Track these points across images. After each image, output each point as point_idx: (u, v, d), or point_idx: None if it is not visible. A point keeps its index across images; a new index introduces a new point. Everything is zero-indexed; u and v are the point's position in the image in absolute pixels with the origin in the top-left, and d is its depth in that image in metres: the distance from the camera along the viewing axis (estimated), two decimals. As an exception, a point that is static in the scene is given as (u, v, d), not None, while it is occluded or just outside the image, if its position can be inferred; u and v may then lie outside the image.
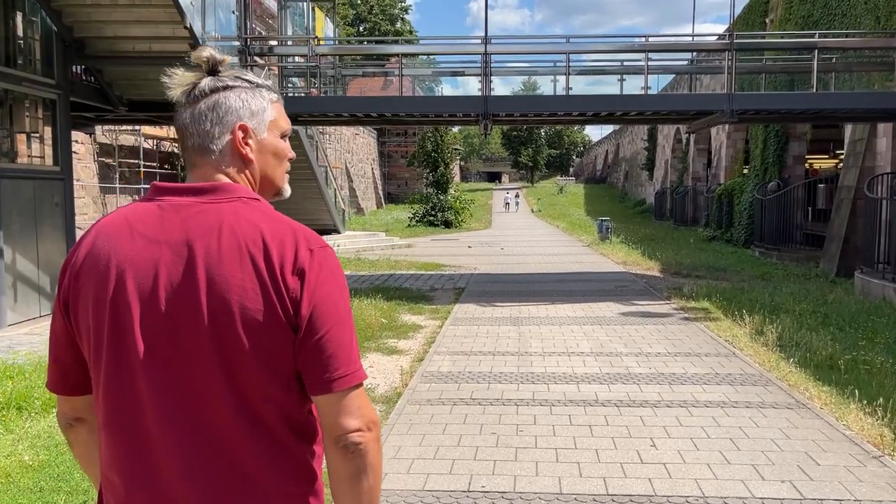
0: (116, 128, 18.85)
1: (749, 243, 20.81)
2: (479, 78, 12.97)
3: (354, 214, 41.48)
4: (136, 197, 19.16)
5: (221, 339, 1.28)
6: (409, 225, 33.20)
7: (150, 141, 20.90)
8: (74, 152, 17.78)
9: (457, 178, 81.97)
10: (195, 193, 1.37)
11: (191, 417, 1.30)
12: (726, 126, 27.47)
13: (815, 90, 12.27)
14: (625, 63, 14.67)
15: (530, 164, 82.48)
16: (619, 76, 14.34)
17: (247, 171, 1.43)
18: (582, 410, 5.59)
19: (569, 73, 12.99)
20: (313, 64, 13.00)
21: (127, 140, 19.62)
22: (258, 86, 1.44)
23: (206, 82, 1.40)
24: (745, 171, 26.17)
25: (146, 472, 1.32)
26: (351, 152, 47.78)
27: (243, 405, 1.30)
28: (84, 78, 11.96)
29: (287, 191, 1.53)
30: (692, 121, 14.10)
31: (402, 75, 13.88)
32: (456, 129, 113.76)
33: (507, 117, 14.60)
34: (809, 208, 18.16)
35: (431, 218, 33.52)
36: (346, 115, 13.44)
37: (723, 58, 13.32)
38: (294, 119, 11.27)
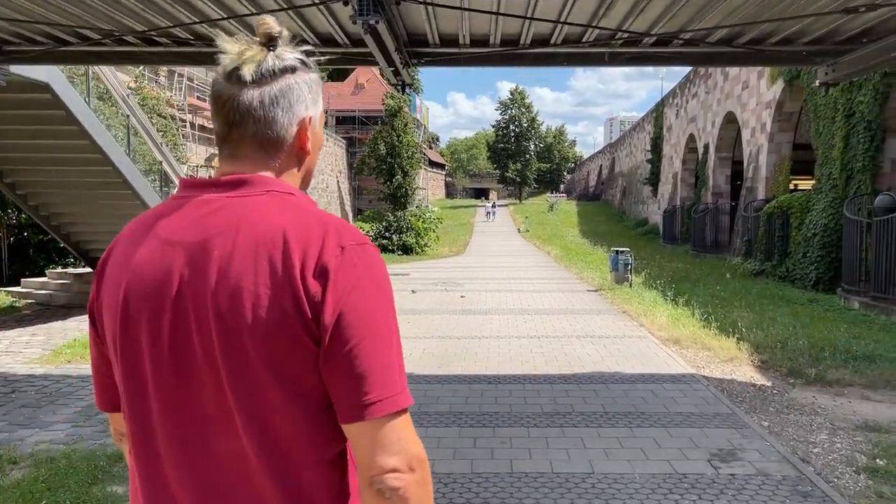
0: None
1: (825, 284, 14.23)
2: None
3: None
4: None
5: (229, 355, 1.07)
6: (355, 251, 25.30)
7: None
8: None
9: (438, 193, 74.45)
10: (223, 188, 1.16)
11: (198, 443, 1.12)
12: (767, 125, 20.23)
13: None
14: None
15: (518, 179, 75.69)
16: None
17: (299, 166, 1.24)
18: None
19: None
20: None
21: None
22: (311, 67, 1.22)
23: (273, 61, 1.17)
24: (795, 185, 19.25)
25: None
26: (308, 162, 40.17)
27: (257, 431, 1.08)
28: None
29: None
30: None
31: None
32: (442, 143, 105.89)
33: (434, 50, 6.78)
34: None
35: (385, 241, 25.59)
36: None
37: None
38: None
